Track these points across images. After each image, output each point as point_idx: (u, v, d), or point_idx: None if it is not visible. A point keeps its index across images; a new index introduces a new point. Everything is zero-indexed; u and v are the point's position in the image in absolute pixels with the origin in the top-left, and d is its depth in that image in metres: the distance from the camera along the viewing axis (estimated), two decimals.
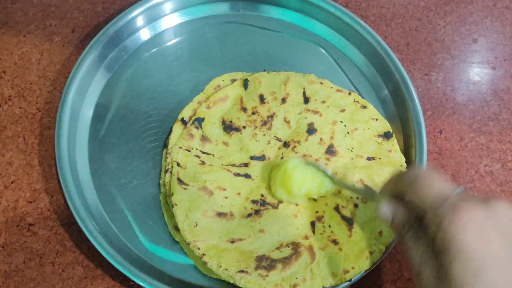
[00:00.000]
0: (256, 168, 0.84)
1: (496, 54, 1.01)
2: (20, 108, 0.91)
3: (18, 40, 0.97)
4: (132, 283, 0.80)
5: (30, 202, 0.84)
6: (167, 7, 0.97)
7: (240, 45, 0.96)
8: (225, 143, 0.85)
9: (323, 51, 0.97)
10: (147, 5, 0.94)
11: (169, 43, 0.97)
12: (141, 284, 0.76)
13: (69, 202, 0.80)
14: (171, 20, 0.98)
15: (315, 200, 0.82)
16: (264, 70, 0.92)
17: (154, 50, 0.96)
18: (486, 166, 0.91)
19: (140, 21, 0.95)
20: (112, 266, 0.76)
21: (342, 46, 0.97)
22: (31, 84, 0.93)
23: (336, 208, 0.80)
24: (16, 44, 0.96)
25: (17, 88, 0.93)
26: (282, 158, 0.84)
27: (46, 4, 1.01)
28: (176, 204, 0.78)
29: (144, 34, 0.96)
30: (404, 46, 1.00)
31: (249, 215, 0.79)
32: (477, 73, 0.99)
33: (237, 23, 0.99)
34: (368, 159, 0.84)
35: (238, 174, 0.83)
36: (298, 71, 0.92)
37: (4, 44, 0.96)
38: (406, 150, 0.87)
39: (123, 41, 0.94)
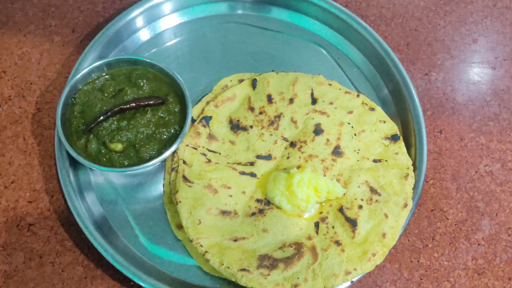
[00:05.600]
0: (262, 167, 0.84)
1: (496, 54, 1.01)
2: (20, 108, 0.91)
3: (18, 40, 0.97)
4: (132, 283, 0.80)
5: (30, 202, 0.84)
6: (167, 7, 0.97)
7: (240, 45, 0.97)
8: (232, 142, 0.86)
9: (323, 51, 0.97)
10: (147, 5, 0.94)
11: (169, 43, 0.97)
12: (141, 284, 0.76)
13: (69, 202, 0.80)
14: (171, 20, 0.98)
15: None
16: (273, 71, 0.92)
17: (154, 50, 0.96)
18: (486, 166, 0.91)
19: (140, 22, 0.95)
20: (112, 266, 0.76)
21: (342, 46, 0.97)
22: (31, 84, 0.93)
23: (341, 209, 0.80)
24: (16, 44, 0.96)
25: (17, 88, 0.93)
26: (288, 158, 0.84)
27: (46, 4, 1.01)
28: (180, 202, 0.79)
29: (144, 35, 0.96)
30: (404, 46, 1.00)
31: (253, 214, 0.80)
32: (477, 73, 0.99)
33: (237, 23, 0.99)
34: (375, 161, 0.84)
35: (243, 173, 0.83)
36: (298, 71, 0.92)
37: (4, 44, 0.96)
38: (406, 150, 0.87)
39: (123, 41, 0.94)
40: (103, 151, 0.79)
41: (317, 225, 0.80)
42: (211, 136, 0.85)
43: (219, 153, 0.85)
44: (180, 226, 0.80)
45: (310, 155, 0.83)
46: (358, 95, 0.89)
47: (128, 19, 0.93)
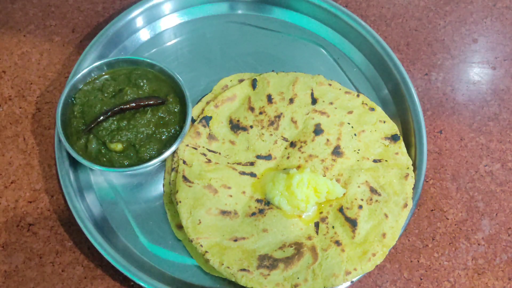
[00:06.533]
0: (262, 167, 0.84)
1: (496, 54, 1.01)
2: (20, 108, 0.91)
3: (18, 40, 0.97)
4: (132, 283, 0.80)
5: (30, 202, 0.84)
6: (167, 7, 0.97)
7: (240, 45, 0.97)
8: (232, 142, 0.86)
9: (323, 51, 0.97)
10: (147, 5, 0.94)
11: (169, 43, 0.97)
12: (141, 284, 0.76)
13: (69, 202, 0.80)
14: (171, 20, 0.98)
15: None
16: (273, 71, 0.92)
17: (154, 50, 0.96)
18: (486, 166, 0.91)
19: (140, 22, 0.95)
20: (112, 266, 0.76)
21: (342, 46, 0.97)
22: (31, 84, 0.93)
23: (341, 209, 0.80)
24: (16, 44, 0.96)
25: (17, 88, 0.93)
26: (288, 158, 0.84)
27: (46, 4, 1.01)
28: (180, 202, 0.79)
29: (144, 35, 0.96)
30: (404, 46, 1.00)
31: (253, 214, 0.80)
32: (477, 73, 0.99)
33: (237, 23, 0.99)
34: (375, 161, 0.84)
35: (243, 173, 0.83)
36: (298, 71, 0.92)
37: (4, 44, 0.96)
38: (406, 150, 0.87)
39: (123, 42, 0.94)
40: (103, 151, 0.79)
41: (317, 225, 0.80)
42: (211, 136, 0.85)
43: (219, 153, 0.85)
44: (180, 226, 0.80)
45: (310, 155, 0.83)
46: (358, 95, 0.89)
47: (128, 19, 0.93)
